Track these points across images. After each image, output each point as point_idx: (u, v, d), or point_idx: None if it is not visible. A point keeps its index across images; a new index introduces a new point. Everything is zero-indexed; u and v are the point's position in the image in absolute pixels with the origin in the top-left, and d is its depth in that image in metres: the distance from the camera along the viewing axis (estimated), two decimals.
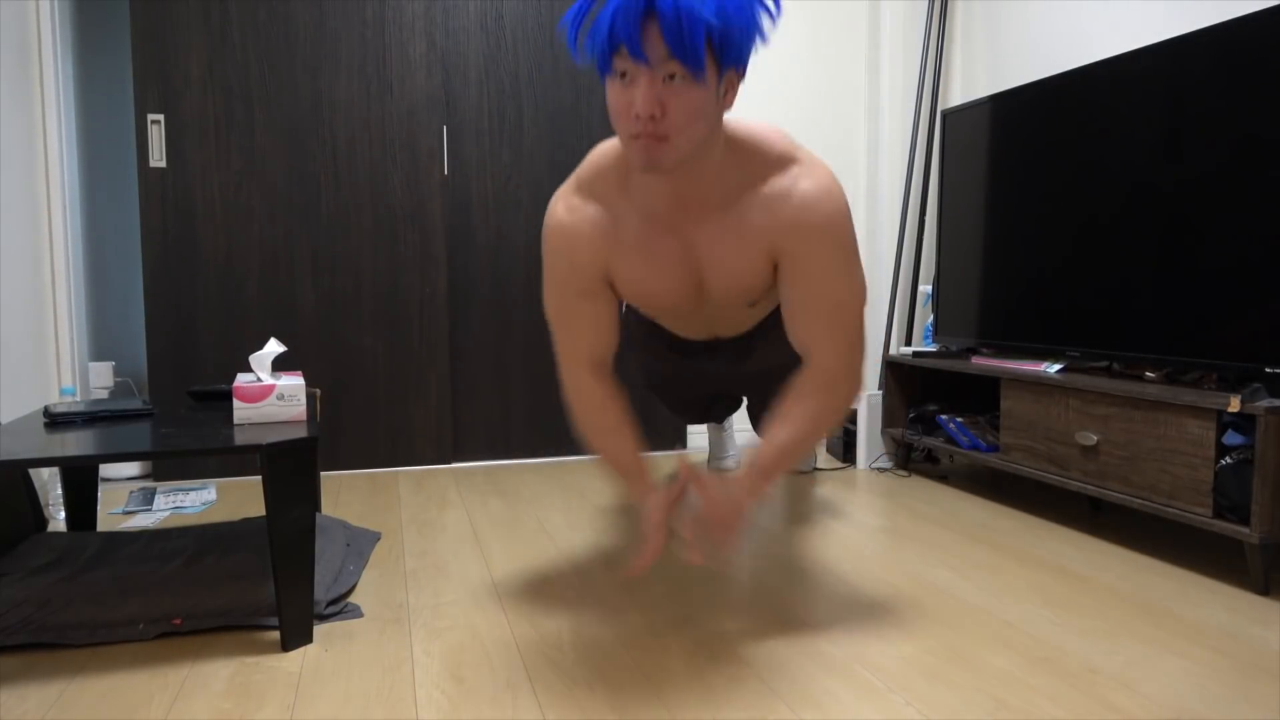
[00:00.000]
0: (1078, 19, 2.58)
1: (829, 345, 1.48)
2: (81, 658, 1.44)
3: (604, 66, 1.28)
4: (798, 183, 1.44)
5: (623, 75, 1.28)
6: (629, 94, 1.27)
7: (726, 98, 1.35)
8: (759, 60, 3.17)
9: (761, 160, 1.45)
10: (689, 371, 2.04)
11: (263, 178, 2.78)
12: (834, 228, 1.44)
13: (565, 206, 1.57)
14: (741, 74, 1.34)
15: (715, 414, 2.56)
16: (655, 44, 1.21)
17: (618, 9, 1.21)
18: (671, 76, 1.24)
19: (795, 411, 1.50)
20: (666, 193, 1.46)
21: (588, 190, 1.54)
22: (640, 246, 1.53)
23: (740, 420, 3.05)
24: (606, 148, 1.55)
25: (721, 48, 1.24)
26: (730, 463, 2.85)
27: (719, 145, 1.43)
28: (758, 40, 1.31)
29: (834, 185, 1.46)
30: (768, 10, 1.31)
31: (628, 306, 2.05)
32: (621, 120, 1.30)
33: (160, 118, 2.69)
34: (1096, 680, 1.35)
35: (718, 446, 2.84)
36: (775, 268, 1.52)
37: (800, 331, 1.51)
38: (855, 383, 1.51)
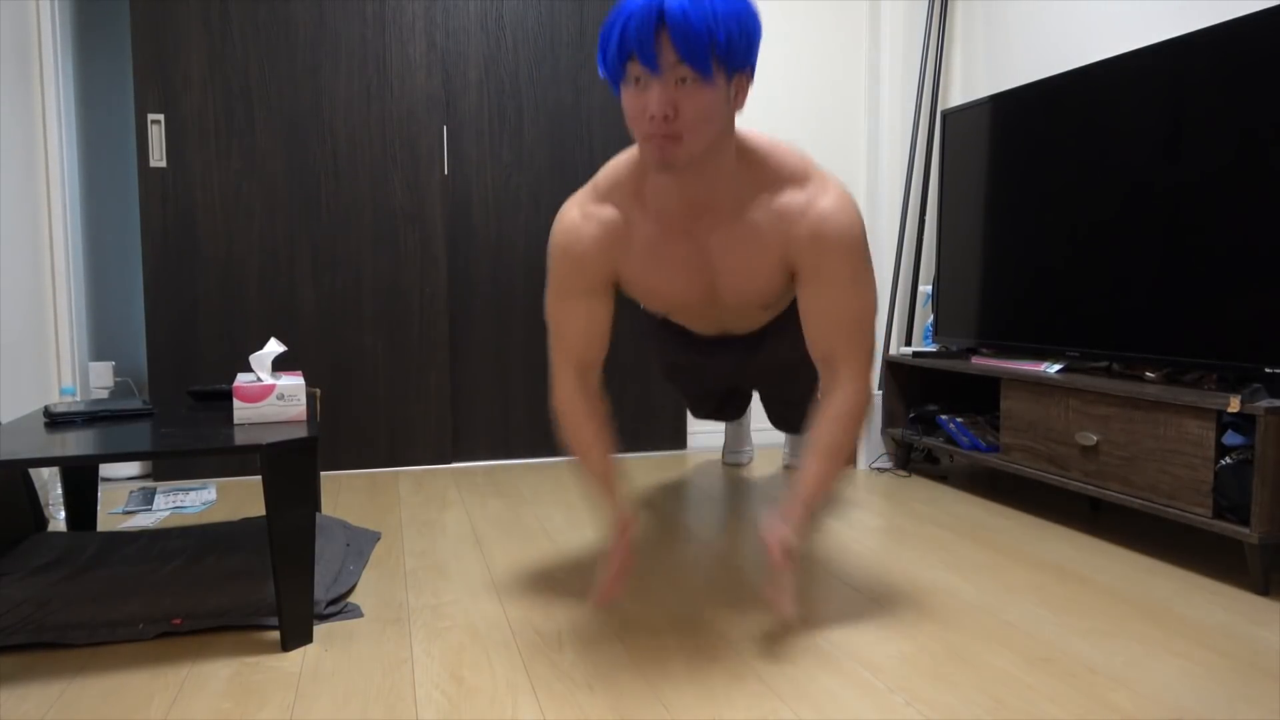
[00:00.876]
0: (1078, 19, 2.58)
1: (848, 356, 1.54)
2: (81, 658, 1.45)
3: (619, 74, 1.36)
4: (815, 199, 1.50)
5: (636, 81, 1.35)
6: (643, 98, 1.34)
7: (737, 99, 1.41)
8: (760, 59, 3.17)
9: (775, 173, 1.51)
10: (702, 364, 2.09)
11: (263, 178, 2.78)
12: (853, 244, 1.51)
13: (580, 210, 1.62)
14: (750, 77, 1.41)
15: (728, 412, 2.59)
16: (666, 51, 1.29)
17: (630, 20, 1.29)
18: (683, 80, 1.32)
19: (825, 437, 1.55)
20: (679, 195, 1.51)
21: (604, 196, 1.60)
22: (652, 250, 1.58)
23: (758, 416, 3.04)
24: (622, 158, 1.61)
25: (727, 52, 1.32)
26: (744, 457, 2.91)
27: (731, 150, 1.48)
28: (758, 44, 1.38)
29: (851, 203, 1.52)
30: (757, 21, 1.38)
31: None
32: (637, 122, 1.37)
33: (160, 118, 2.69)
34: (1096, 680, 1.35)
35: (734, 440, 2.93)
36: (792, 277, 1.58)
37: (820, 342, 1.57)
38: (870, 391, 1.58)
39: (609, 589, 1.61)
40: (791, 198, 1.51)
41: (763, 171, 1.52)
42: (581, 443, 1.69)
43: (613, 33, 1.32)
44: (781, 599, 1.48)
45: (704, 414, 2.56)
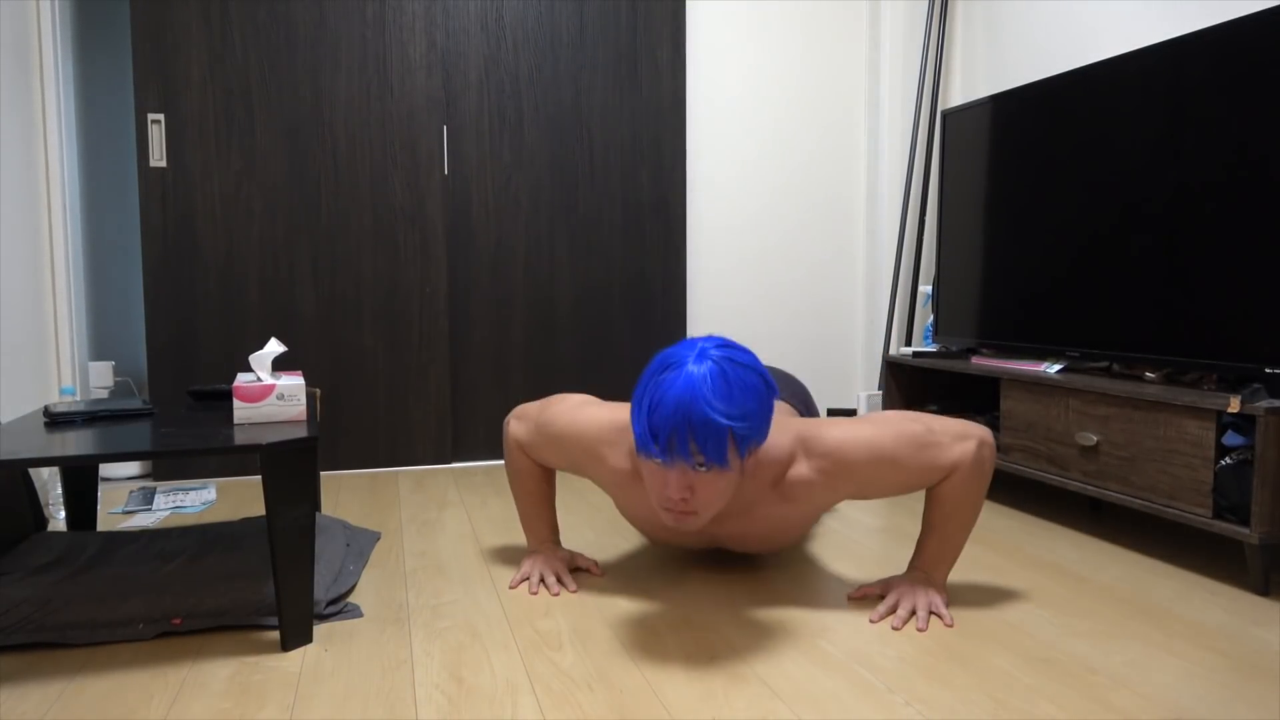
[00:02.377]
0: (1078, 19, 2.59)
1: (933, 466, 1.57)
2: (81, 658, 1.45)
3: (643, 452, 1.41)
4: (812, 454, 1.57)
5: (658, 461, 1.41)
6: (663, 475, 1.42)
7: (748, 461, 1.47)
8: (761, 59, 3.18)
9: (770, 466, 1.57)
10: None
11: (263, 178, 2.78)
12: (865, 443, 1.55)
13: (610, 441, 1.66)
14: (760, 442, 1.45)
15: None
16: (690, 448, 1.37)
17: (662, 423, 1.36)
18: (701, 465, 1.38)
19: (953, 513, 1.61)
20: None
21: (622, 438, 1.66)
22: (654, 512, 1.68)
23: None
24: None
25: (744, 442, 1.40)
26: None
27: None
28: (770, 420, 1.45)
29: (832, 436, 1.56)
30: (770, 391, 1.44)
31: None
32: (655, 494, 1.45)
33: (160, 118, 2.69)
34: (1096, 680, 1.35)
35: None
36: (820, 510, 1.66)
37: (911, 489, 1.61)
38: (970, 453, 1.57)
39: (516, 586, 1.77)
40: (797, 474, 1.57)
41: (761, 471, 1.58)
42: (523, 493, 1.84)
43: (643, 419, 1.38)
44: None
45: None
